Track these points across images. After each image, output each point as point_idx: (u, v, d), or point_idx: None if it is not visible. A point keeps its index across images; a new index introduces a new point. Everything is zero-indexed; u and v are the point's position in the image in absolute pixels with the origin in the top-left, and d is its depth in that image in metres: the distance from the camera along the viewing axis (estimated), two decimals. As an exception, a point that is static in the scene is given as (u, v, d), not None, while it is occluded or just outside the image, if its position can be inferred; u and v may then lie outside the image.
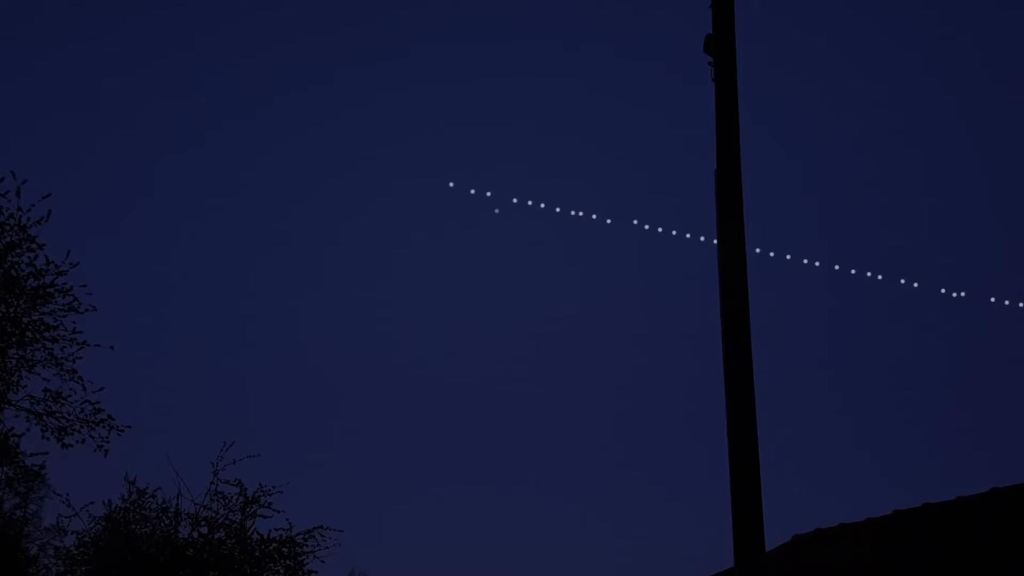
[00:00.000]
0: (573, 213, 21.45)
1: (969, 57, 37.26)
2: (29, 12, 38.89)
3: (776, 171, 32.81)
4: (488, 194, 21.26)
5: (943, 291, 19.61)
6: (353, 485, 34.44)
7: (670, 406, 36.21)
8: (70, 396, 16.26)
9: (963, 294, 19.51)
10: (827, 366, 36.60)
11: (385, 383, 38.38)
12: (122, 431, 16.67)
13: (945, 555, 11.83)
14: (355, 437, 36.75)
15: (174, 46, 40.73)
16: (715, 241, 8.71)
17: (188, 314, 39.10)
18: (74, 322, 16.17)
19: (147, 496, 18.53)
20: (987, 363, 35.10)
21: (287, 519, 18.63)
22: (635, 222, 20.53)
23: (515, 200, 20.67)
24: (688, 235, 18.29)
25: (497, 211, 21.44)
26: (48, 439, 16.28)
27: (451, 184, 22.55)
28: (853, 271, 20.89)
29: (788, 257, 19.44)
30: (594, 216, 21.62)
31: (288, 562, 18.61)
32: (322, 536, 18.71)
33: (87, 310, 16.17)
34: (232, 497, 18.45)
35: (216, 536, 18.34)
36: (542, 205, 20.65)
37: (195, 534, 18.36)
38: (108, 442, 16.50)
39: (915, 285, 20.17)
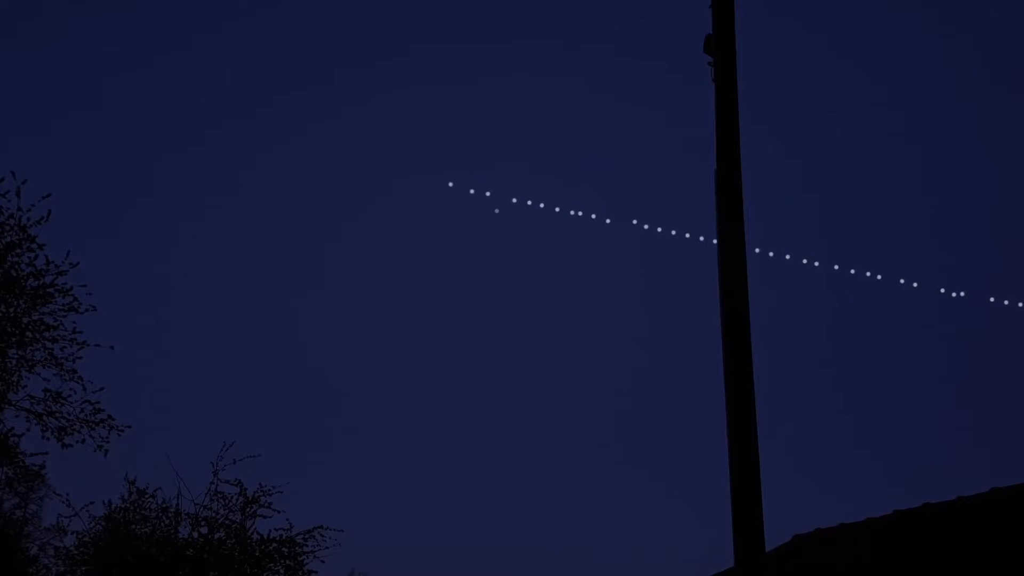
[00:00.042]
0: (573, 213, 21.43)
1: (969, 57, 37.27)
2: (29, 12, 38.90)
3: (776, 171, 32.80)
4: (488, 194, 21.24)
5: (943, 291, 19.60)
6: (353, 485, 34.45)
7: (670, 406, 36.21)
8: (70, 396, 16.29)
9: (963, 294, 19.49)
10: (827, 366, 36.61)
11: (385, 383, 38.39)
12: (122, 431, 16.68)
13: (945, 555, 11.83)
14: (355, 437, 36.76)
15: (174, 46, 40.74)
16: (715, 241, 8.71)
17: (188, 314, 39.10)
18: (74, 322, 16.20)
19: (147, 496, 18.54)
20: (987, 363, 35.11)
21: (287, 519, 18.66)
22: (635, 222, 20.50)
23: (515, 200, 20.65)
24: (688, 235, 18.26)
25: (497, 211, 21.42)
26: (48, 439, 16.31)
27: (450, 184, 22.52)
28: (853, 271, 20.88)
29: (788, 257, 19.42)
30: (594, 216, 21.61)
31: (288, 562, 18.61)
32: (322, 536, 18.73)
33: (87, 310, 16.19)
34: (232, 497, 18.47)
35: (216, 536, 18.35)
36: (542, 205, 20.63)
37: (195, 534, 18.37)
38: (108, 442, 16.53)
39: (915, 285, 20.16)
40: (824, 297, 34.49)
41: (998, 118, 36.24)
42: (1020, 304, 18.57)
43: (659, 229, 19.33)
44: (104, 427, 16.46)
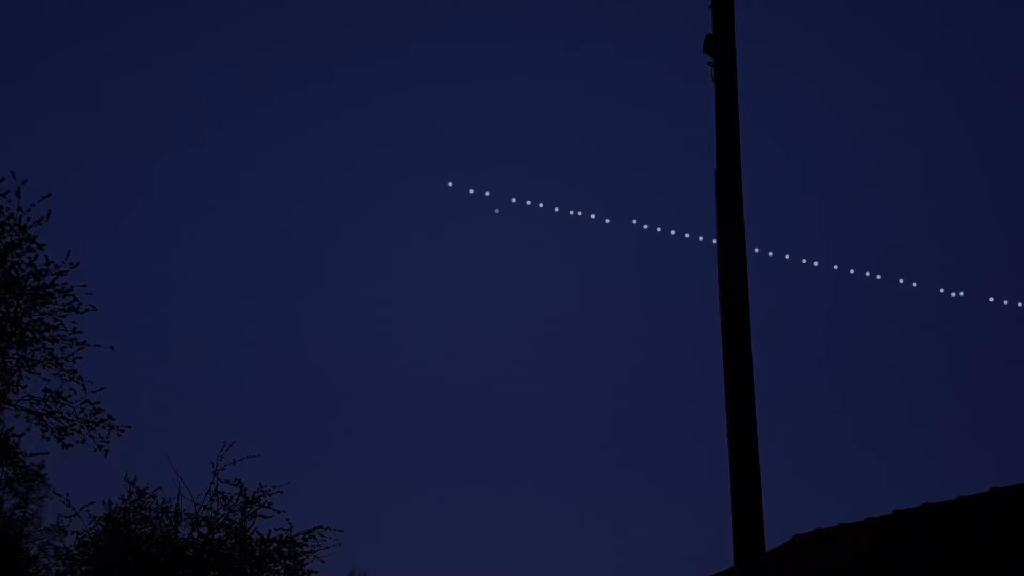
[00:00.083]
0: (572, 213, 21.44)
1: (969, 57, 37.29)
2: (29, 12, 38.92)
3: (776, 171, 32.83)
4: (487, 194, 21.26)
5: (942, 291, 19.61)
6: (353, 485, 34.47)
7: (669, 406, 36.23)
8: (70, 396, 16.27)
9: (962, 294, 19.51)
10: (827, 366, 36.64)
11: (385, 383, 38.41)
12: (122, 431, 16.67)
13: (945, 555, 11.83)
14: (355, 437, 36.78)
15: (174, 46, 40.77)
16: (715, 241, 8.71)
17: (188, 314, 39.13)
18: (74, 322, 16.19)
19: (147, 496, 18.53)
20: (987, 363, 35.13)
21: (287, 519, 18.65)
22: (634, 222, 20.51)
23: (514, 200, 20.67)
24: (688, 235, 18.29)
25: (497, 211, 21.43)
26: (48, 439, 16.29)
27: (450, 184, 22.52)
28: (853, 271, 20.88)
29: (788, 257, 19.44)
30: (593, 216, 21.61)
31: (288, 562, 18.61)
32: (322, 536, 18.72)
33: (87, 310, 16.18)
34: (232, 497, 18.46)
35: (216, 536, 18.34)
36: (541, 205, 20.65)
37: (195, 534, 18.36)
38: (108, 442, 16.52)
39: (914, 285, 20.18)
40: (824, 297, 34.53)
41: (998, 118, 36.29)
42: (1020, 304, 18.58)
43: (659, 229, 19.36)
44: (104, 427, 16.46)
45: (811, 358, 36.14)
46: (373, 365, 39.87)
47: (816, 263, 20.50)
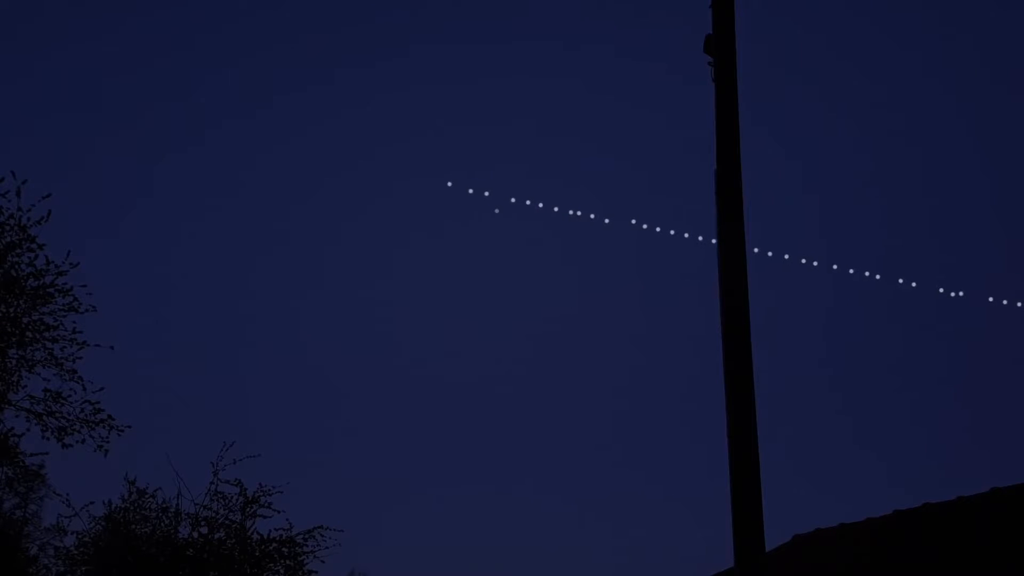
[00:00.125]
0: (572, 213, 21.45)
1: (969, 57, 37.29)
2: (29, 12, 38.92)
3: (776, 171, 32.84)
4: (487, 194, 21.28)
5: (942, 291, 19.62)
6: (353, 485, 34.47)
7: (669, 406, 36.24)
8: (70, 396, 16.28)
9: (962, 294, 19.52)
10: (827, 366, 36.65)
11: (385, 383, 38.41)
12: (122, 431, 16.68)
13: (945, 555, 11.83)
14: (355, 437, 36.79)
15: (174, 46, 40.77)
16: (715, 241, 8.71)
17: (188, 314, 39.13)
18: (74, 322, 16.20)
19: (147, 496, 18.54)
20: (987, 363, 35.13)
21: (287, 519, 18.66)
22: (634, 222, 20.53)
23: (514, 200, 20.69)
24: (688, 235, 18.30)
25: (496, 211, 21.44)
26: (48, 439, 16.30)
27: (450, 184, 22.53)
28: (852, 271, 20.89)
29: (788, 257, 19.45)
30: (593, 216, 21.63)
31: (288, 562, 18.61)
32: (322, 536, 18.72)
33: (87, 310, 16.18)
34: (232, 497, 18.47)
35: (216, 536, 18.34)
36: (541, 205, 20.67)
37: (195, 534, 18.36)
38: (108, 442, 16.52)
39: (914, 285, 20.19)
40: (824, 297, 34.53)
41: (998, 118, 36.29)
42: (1020, 304, 18.58)
43: (658, 229, 19.37)
44: (104, 427, 16.46)
45: (811, 358, 36.17)
46: (373, 365, 39.90)
47: (816, 263, 20.52)
